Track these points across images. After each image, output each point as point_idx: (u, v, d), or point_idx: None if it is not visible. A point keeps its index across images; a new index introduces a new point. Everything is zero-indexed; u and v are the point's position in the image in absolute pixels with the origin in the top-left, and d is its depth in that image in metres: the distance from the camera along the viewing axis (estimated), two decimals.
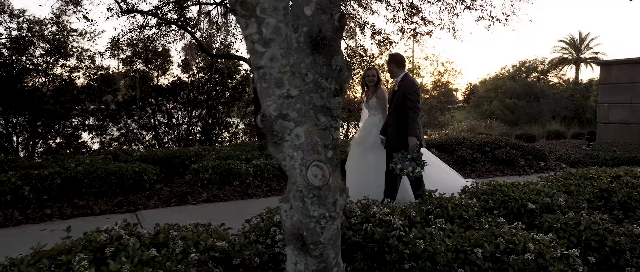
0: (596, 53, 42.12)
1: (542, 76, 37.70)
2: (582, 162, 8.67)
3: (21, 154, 14.02)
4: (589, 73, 46.77)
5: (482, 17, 8.97)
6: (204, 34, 13.29)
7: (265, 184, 6.62)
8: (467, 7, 8.91)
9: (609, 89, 12.68)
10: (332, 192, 1.35)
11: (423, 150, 4.76)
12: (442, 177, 5.07)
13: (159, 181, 6.70)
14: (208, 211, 5.63)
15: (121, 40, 12.74)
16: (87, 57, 14.79)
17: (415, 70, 19.69)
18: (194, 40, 11.73)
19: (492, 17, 9.01)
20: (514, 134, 15.16)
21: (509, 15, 9.02)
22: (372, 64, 12.50)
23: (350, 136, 14.44)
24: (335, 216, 1.39)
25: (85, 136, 15.92)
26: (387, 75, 10.25)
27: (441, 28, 9.72)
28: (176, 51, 14.47)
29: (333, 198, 1.36)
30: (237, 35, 13.25)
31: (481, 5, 8.83)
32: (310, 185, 1.31)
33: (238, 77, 16.72)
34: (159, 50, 15.14)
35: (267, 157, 7.34)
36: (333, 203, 1.36)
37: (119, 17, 10.77)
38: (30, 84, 14.29)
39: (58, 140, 15.44)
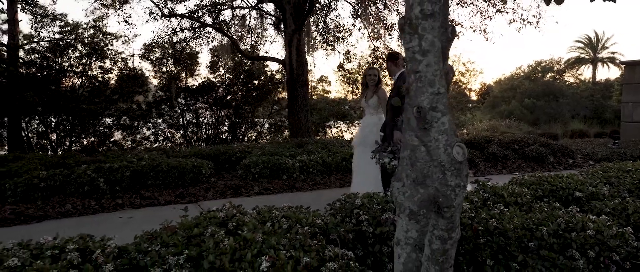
0: (613, 53, 41.90)
1: (558, 76, 37.63)
2: (609, 159, 8.94)
3: (59, 152, 14.62)
4: (605, 73, 46.41)
5: (514, 19, 9.32)
6: (234, 36, 13.79)
7: (311, 178, 7.03)
8: (498, 11, 9.26)
9: (634, 89, 12.88)
10: (466, 166, 1.75)
11: None
12: None
13: (211, 175, 7.17)
14: (262, 202, 6.03)
15: (153, 42, 13.30)
16: (121, 59, 15.39)
17: None
18: (228, 42, 12.22)
19: (524, 20, 9.35)
20: (537, 133, 15.39)
21: (540, 18, 9.35)
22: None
23: None
24: (465, 185, 1.80)
25: (118, 135, 16.53)
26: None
27: (474, 30, 10.06)
28: (208, 52, 14.88)
29: (466, 171, 1.76)
30: (266, 37, 13.73)
31: (513, 9, 9.17)
32: (454, 160, 1.71)
33: (263, 78, 17.18)
34: (188, 51, 15.69)
35: (309, 153, 7.76)
36: (466, 175, 1.77)
37: (158, 20, 11.30)
38: (68, 85, 14.90)
39: (92, 139, 16.07)
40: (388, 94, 5.39)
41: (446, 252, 1.95)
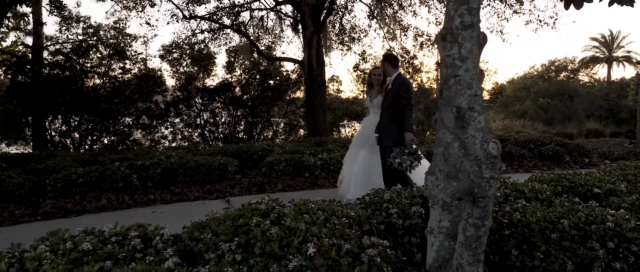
0: (629, 52, 41.44)
1: (572, 75, 37.36)
2: (625, 158, 9.02)
3: (81, 151, 15.02)
4: (620, 72, 45.92)
5: (531, 20, 9.43)
6: (252, 37, 14.07)
7: (332, 176, 7.25)
8: (515, 12, 9.39)
9: None
10: (499, 160, 1.95)
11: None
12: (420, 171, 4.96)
13: (236, 172, 7.42)
14: (286, 198, 6.29)
15: (173, 43, 13.64)
16: (140, 60, 15.76)
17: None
18: (247, 42, 12.49)
19: (540, 21, 9.46)
20: (552, 133, 15.44)
21: (557, 19, 9.45)
22: (414, 63, 13.02)
23: None
24: (498, 178, 1.99)
25: (137, 134, 16.91)
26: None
27: (490, 31, 10.20)
28: (225, 53, 15.18)
29: (499, 165, 1.96)
30: (283, 38, 13.98)
31: (529, 10, 9.29)
32: (490, 155, 1.90)
33: (279, 78, 17.44)
34: (205, 52, 16.02)
35: (329, 151, 7.98)
36: (499, 168, 1.96)
37: (178, 22, 11.62)
38: (90, 85, 15.31)
39: (112, 138, 16.47)
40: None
41: (479, 238, 2.16)
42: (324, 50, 11.35)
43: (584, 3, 3.56)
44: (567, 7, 3.60)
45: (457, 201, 2.40)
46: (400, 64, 13.97)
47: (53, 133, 15.39)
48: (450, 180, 2.37)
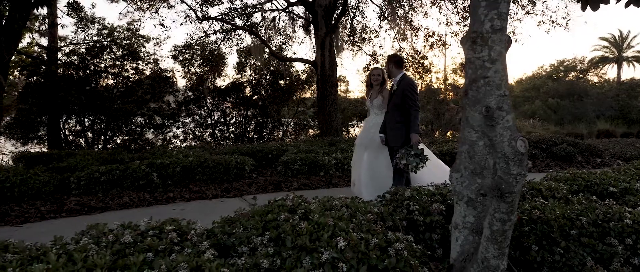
0: (639, 52, 41.11)
1: (581, 76, 37.17)
2: (638, 159, 9.04)
3: (95, 150, 15.25)
4: (630, 72, 45.55)
5: (543, 21, 9.47)
6: (263, 38, 14.22)
7: (346, 175, 7.36)
8: (527, 13, 9.44)
9: None
10: (526, 158, 2.05)
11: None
12: (431, 170, 4.99)
13: (252, 171, 7.55)
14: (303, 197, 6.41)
15: (186, 44, 13.82)
16: (152, 61, 15.97)
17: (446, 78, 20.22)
18: (259, 43, 12.64)
19: (553, 22, 9.49)
20: (564, 133, 15.43)
21: (569, 20, 9.48)
22: (425, 65, 13.10)
23: None
24: (525, 174, 2.09)
25: (149, 134, 17.13)
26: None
27: None
28: (236, 53, 15.35)
29: (526, 162, 2.05)
30: (294, 39, 14.12)
31: (542, 11, 9.33)
32: (518, 152, 2.00)
33: (289, 78, 17.59)
34: (217, 53, 16.19)
35: (342, 151, 8.08)
36: (526, 165, 2.06)
37: (191, 23, 11.79)
38: (103, 85, 15.55)
39: (124, 137, 16.70)
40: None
41: (505, 232, 2.25)
42: (335, 50, 11.47)
43: (601, 4, 3.63)
44: (583, 8, 3.67)
45: (481, 197, 2.50)
46: (410, 64, 14.12)
47: (67, 132, 15.65)
48: (475, 177, 2.47)
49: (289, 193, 7.15)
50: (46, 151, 13.37)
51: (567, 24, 9.49)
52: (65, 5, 12.49)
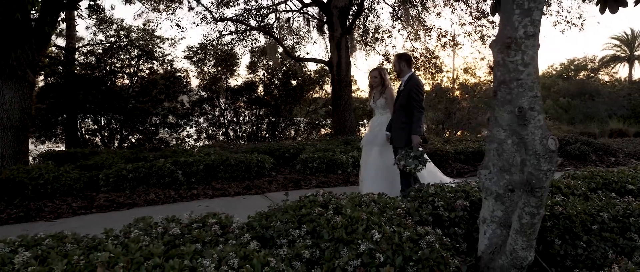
0: None
1: (592, 75, 36.94)
2: None
3: (111, 148, 15.52)
4: None
5: (558, 21, 9.53)
6: (277, 38, 14.40)
7: None
8: (542, 14, 9.44)
9: None
10: (556, 155, 2.19)
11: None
12: (424, 175, 5.10)
13: (272, 169, 7.73)
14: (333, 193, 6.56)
15: (201, 45, 14.04)
16: (167, 61, 16.22)
17: (456, 78, 20.28)
18: (274, 43, 12.82)
19: (568, 22, 9.54)
20: (577, 132, 15.43)
21: (585, 20, 9.52)
22: (438, 64, 13.21)
23: None
24: (554, 170, 2.23)
25: (163, 133, 17.39)
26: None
27: None
28: (249, 53, 15.54)
29: (556, 158, 2.19)
30: (308, 39, 14.28)
31: (557, 12, 9.40)
32: (548, 149, 2.14)
33: (302, 78, 17.73)
34: (230, 53, 16.41)
35: (359, 149, 8.23)
36: (556, 162, 2.20)
37: (208, 24, 12.01)
38: (119, 85, 15.83)
39: (139, 136, 16.98)
40: (394, 95, 5.40)
41: (533, 225, 2.39)
42: (349, 51, 11.62)
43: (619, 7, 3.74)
44: (602, 11, 3.79)
45: (509, 192, 2.64)
46: (422, 63, 14.24)
47: (82, 131, 15.95)
48: (503, 173, 2.61)
49: (308, 191, 7.33)
50: (64, 149, 13.67)
51: (582, 24, 9.55)
52: (86, 8, 12.78)
